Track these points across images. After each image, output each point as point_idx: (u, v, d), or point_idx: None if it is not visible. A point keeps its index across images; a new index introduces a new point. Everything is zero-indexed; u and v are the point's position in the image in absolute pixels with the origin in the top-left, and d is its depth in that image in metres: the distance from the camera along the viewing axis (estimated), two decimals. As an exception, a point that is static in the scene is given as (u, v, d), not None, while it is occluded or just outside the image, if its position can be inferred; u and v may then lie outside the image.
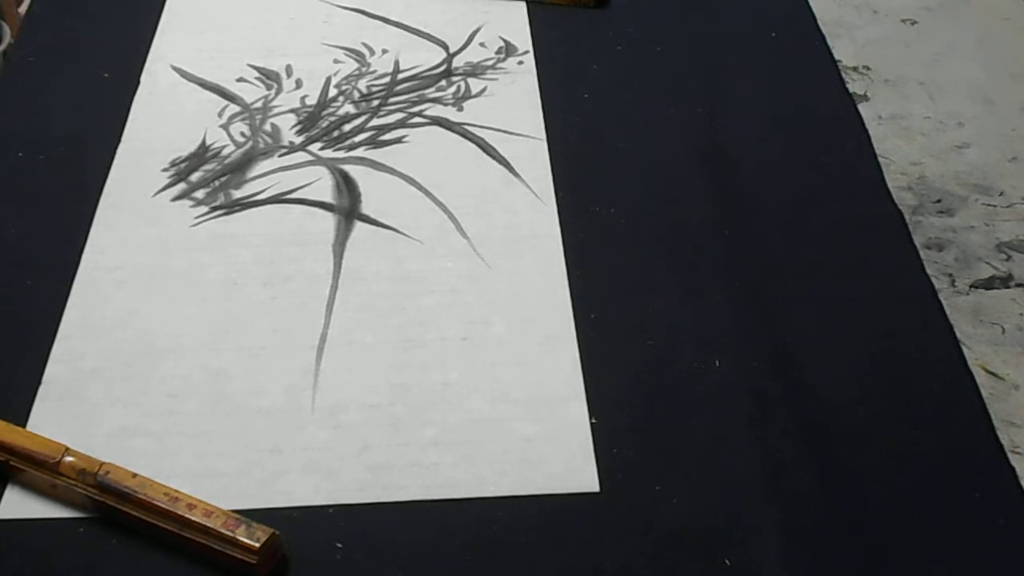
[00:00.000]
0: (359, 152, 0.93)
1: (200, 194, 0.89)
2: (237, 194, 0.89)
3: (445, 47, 1.04)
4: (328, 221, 0.87)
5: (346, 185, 0.90)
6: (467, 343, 0.77)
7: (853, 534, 0.66)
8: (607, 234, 0.85)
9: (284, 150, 0.93)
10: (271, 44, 1.05)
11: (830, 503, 0.68)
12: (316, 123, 0.96)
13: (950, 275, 1.80)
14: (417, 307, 0.80)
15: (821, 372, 0.75)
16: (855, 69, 2.20)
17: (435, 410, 0.73)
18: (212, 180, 0.90)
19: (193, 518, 0.64)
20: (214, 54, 1.03)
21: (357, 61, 1.03)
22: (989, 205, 1.92)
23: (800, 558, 0.65)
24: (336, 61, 1.03)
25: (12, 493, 0.69)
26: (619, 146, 0.93)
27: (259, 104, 0.97)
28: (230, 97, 0.98)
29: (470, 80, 1.00)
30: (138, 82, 1.00)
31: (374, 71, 1.01)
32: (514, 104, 0.97)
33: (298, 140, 0.94)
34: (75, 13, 1.09)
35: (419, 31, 1.06)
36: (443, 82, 1.00)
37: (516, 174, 0.90)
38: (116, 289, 0.81)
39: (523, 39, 1.05)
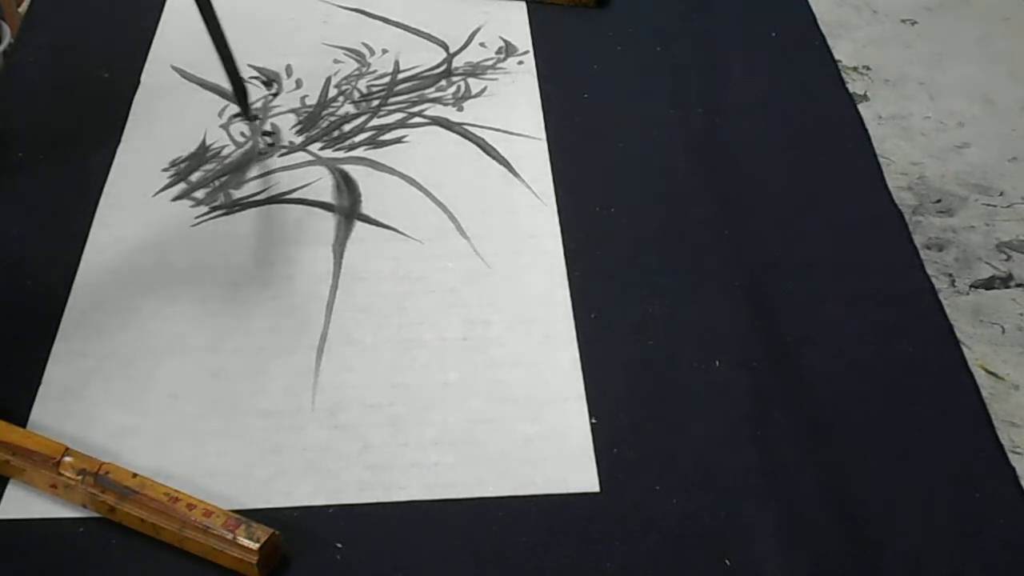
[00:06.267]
0: (359, 152, 0.93)
1: (200, 194, 0.89)
2: (237, 194, 0.89)
3: (445, 47, 1.04)
4: (328, 221, 0.87)
5: (346, 185, 0.90)
6: (467, 343, 0.77)
7: (853, 534, 0.66)
8: (607, 234, 0.85)
9: (284, 150, 0.93)
10: (271, 44, 1.04)
11: (830, 503, 0.68)
12: (316, 123, 0.96)
13: (950, 275, 1.80)
14: (417, 307, 0.80)
15: (821, 372, 0.75)
16: (855, 69, 2.20)
17: (435, 410, 0.73)
18: (212, 180, 0.90)
19: (193, 518, 0.64)
20: (214, 54, 1.03)
21: (357, 61, 1.03)
22: (989, 205, 1.92)
23: (800, 558, 0.65)
24: (336, 61, 1.03)
25: (12, 493, 0.69)
26: (619, 146, 0.93)
27: (259, 104, 0.97)
28: (230, 97, 0.98)
29: (470, 80, 1.00)
30: (138, 82, 1.00)
31: (374, 71, 1.01)
32: (514, 104, 0.97)
33: (298, 140, 0.94)
34: (75, 13, 1.09)
35: (419, 31, 1.06)
36: (443, 82, 1.00)
37: (516, 174, 0.90)
38: (116, 289, 0.81)
39: (523, 39, 1.05)
